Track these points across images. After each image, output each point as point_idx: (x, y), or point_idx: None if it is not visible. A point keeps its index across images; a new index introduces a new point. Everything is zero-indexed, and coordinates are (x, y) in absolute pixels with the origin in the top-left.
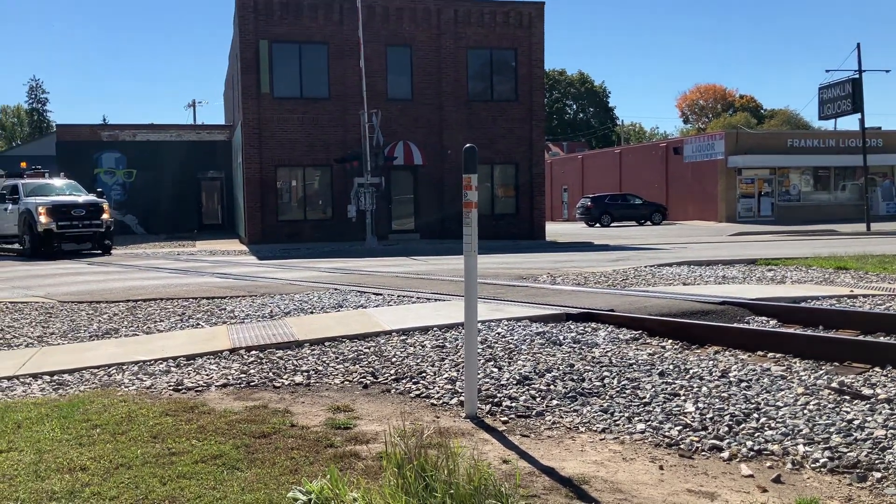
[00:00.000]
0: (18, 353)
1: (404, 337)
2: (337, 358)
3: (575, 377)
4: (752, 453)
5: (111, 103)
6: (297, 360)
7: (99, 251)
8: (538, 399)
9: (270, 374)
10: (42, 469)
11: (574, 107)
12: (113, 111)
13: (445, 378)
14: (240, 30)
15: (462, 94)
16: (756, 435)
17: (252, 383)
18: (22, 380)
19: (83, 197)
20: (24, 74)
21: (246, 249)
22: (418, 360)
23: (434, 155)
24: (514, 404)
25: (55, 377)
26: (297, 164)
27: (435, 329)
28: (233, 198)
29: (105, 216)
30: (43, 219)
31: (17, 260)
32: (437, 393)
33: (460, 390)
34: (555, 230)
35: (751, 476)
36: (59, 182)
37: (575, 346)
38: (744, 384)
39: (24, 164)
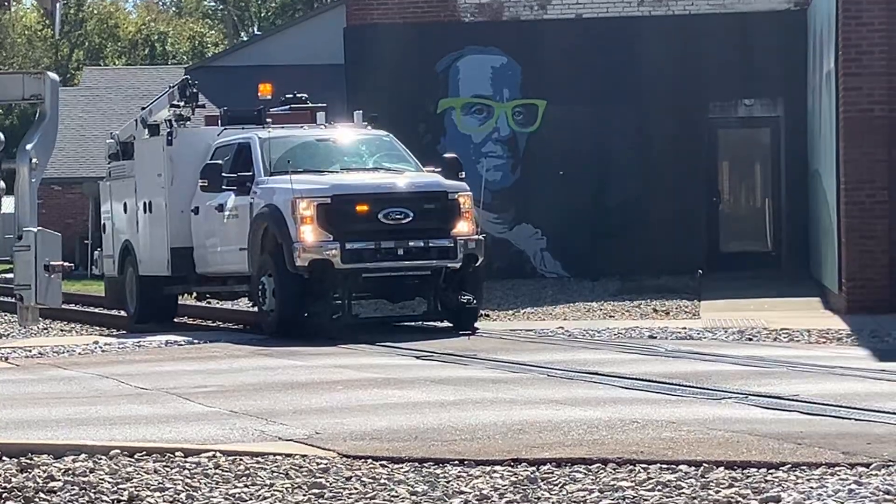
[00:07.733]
0: None
1: None
2: None
3: None
4: None
5: None
6: None
7: (445, 321)
8: None
9: None
10: None
11: None
12: None
13: None
14: None
15: None
16: None
17: None
18: None
19: (408, 175)
20: None
21: (843, 328)
22: None
23: None
24: None
25: None
26: None
27: None
28: (802, 180)
29: (464, 226)
30: (308, 234)
31: (250, 341)
32: None
33: None
34: None
35: None
36: (348, 135)
37: None
38: None
39: (266, 89)
